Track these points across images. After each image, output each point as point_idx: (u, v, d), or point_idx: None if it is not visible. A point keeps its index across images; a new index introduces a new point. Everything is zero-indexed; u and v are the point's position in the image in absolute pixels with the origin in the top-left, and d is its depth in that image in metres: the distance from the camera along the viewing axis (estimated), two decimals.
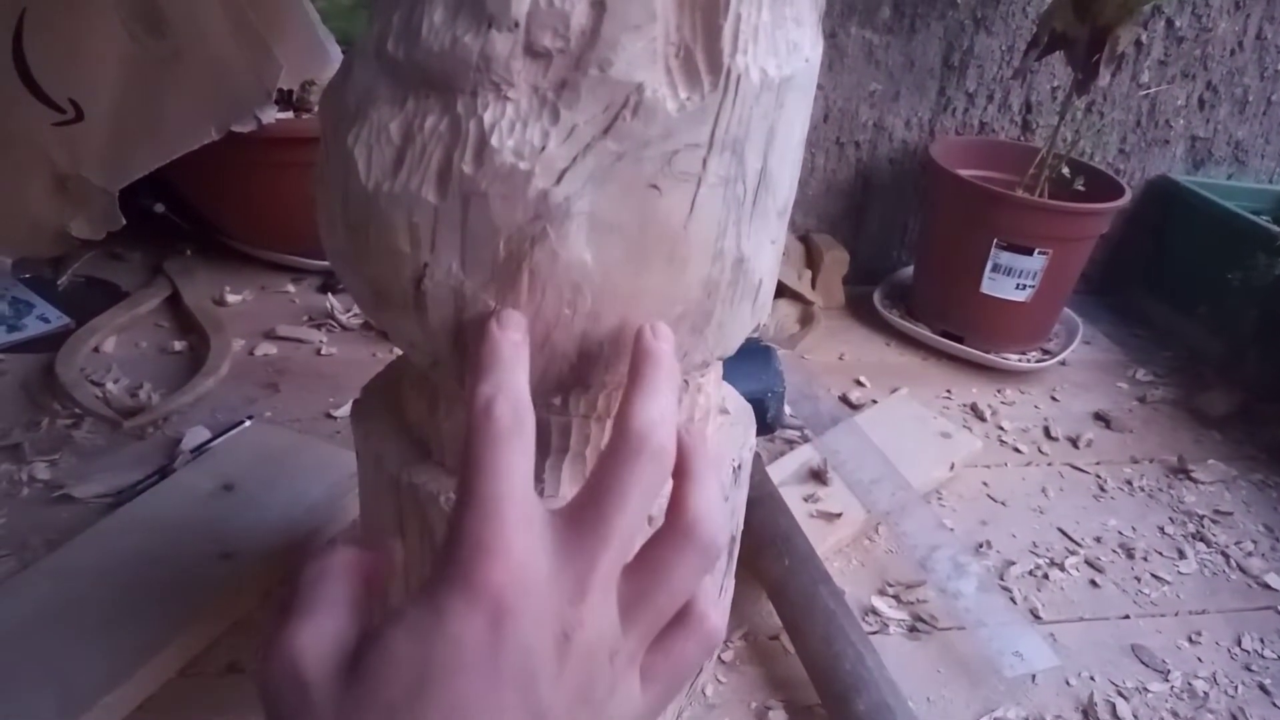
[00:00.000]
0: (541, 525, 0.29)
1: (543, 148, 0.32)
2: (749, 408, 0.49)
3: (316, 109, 0.80)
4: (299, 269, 0.85)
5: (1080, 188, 0.90)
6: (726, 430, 0.47)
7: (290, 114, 0.78)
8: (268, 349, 0.75)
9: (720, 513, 0.31)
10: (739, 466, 0.45)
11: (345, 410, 0.69)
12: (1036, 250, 0.86)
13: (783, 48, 0.34)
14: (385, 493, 0.42)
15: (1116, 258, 1.10)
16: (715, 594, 0.32)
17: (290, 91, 0.75)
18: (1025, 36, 0.96)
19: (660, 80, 0.32)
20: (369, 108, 0.34)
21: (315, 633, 0.28)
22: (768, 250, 0.39)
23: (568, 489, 0.41)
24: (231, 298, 0.81)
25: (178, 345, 0.74)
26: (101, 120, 0.67)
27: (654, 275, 0.35)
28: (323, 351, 0.76)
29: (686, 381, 0.42)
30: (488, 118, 0.32)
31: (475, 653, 0.26)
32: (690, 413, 0.43)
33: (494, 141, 0.32)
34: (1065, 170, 0.90)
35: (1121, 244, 1.09)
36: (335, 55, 0.70)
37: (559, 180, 0.32)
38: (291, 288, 0.84)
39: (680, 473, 0.32)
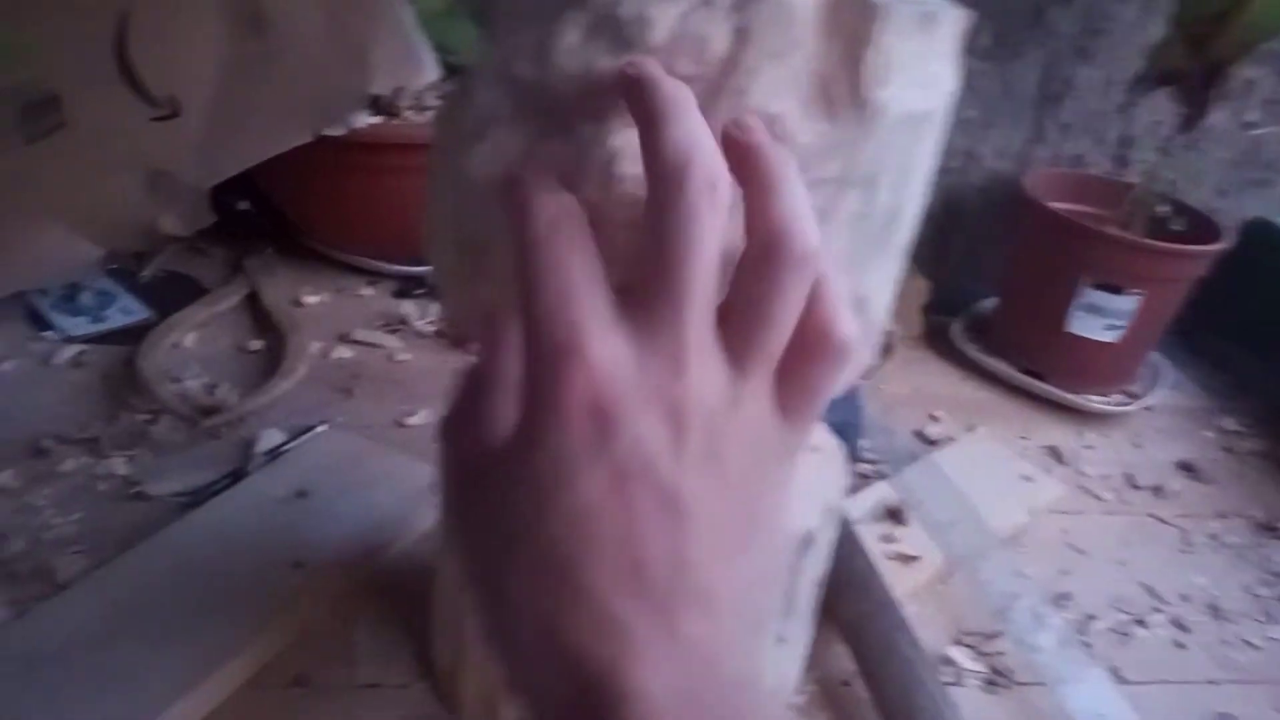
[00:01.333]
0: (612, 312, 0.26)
1: None
2: (840, 447, 0.48)
3: (406, 115, 0.79)
4: (376, 272, 0.85)
5: (1178, 228, 0.86)
6: (817, 469, 0.45)
7: (380, 119, 0.77)
8: (343, 353, 0.75)
9: (806, 213, 0.27)
10: (830, 508, 0.43)
11: (417, 419, 0.68)
12: (1129, 291, 0.83)
13: (926, 80, 0.32)
14: None
15: (1206, 301, 1.06)
16: (836, 301, 0.28)
17: (380, 96, 0.75)
18: (1127, 68, 0.93)
19: (796, 111, 0.31)
20: (490, 128, 0.33)
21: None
22: (886, 290, 0.37)
23: None
24: (309, 298, 0.81)
25: (255, 344, 0.74)
26: (197, 118, 0.68)
27: None
28: (396, 358, 0.75)
29: None
30: (615, 144, 0.31)
31: (584, 459, 0.25)
32: None
33: (621, 169, 0.31)
34: (1163, 208, 0.87)
35: (1212, 287, 1.05)
36: (429, 63, 0.70)
37: None
38: (368, 291, 0.84)
39: (751, 182, 0.28)
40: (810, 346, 0.28)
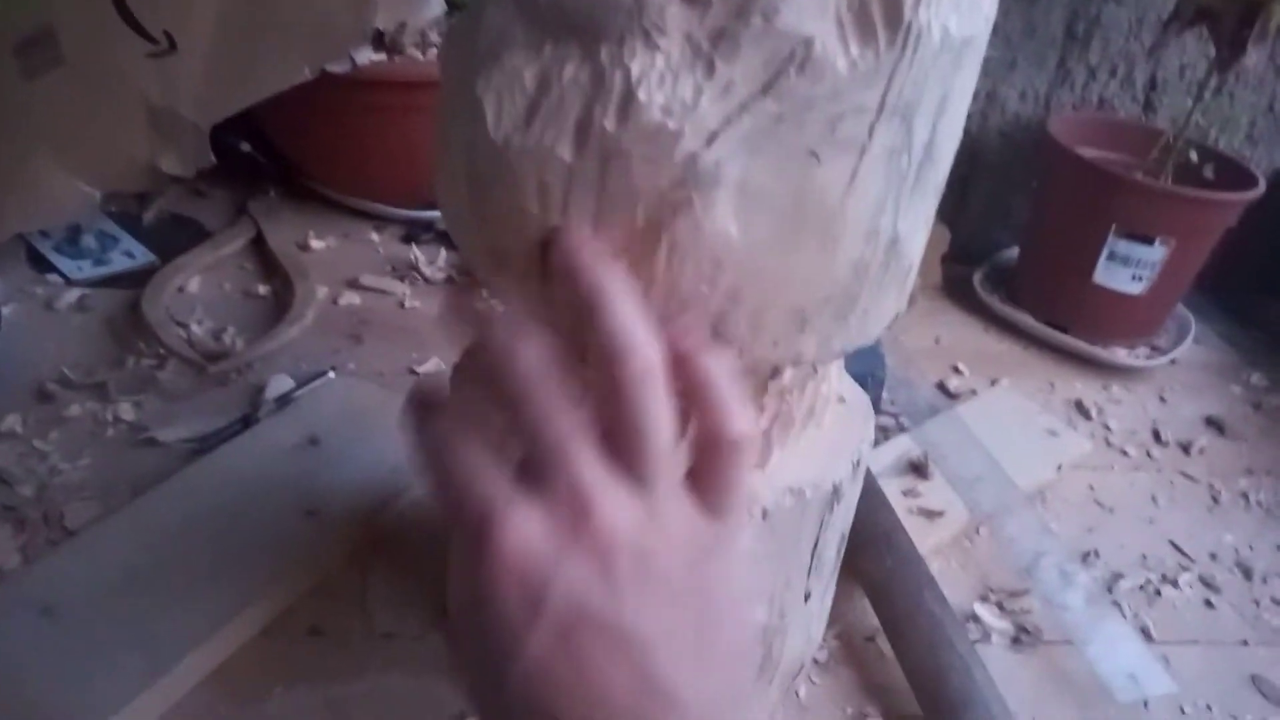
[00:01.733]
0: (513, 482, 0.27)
1: (694, 105, 0.29)
2: (866, 398, 0.46)
3: (410, 52, 0.77)
4: (383, 217, 0.83)
5: (1209, 175, 0.83)
6: (844, 420, 0.44)
7: (383, 56, 0.75)
8: (351, 299, 0.73)
9: (636, 324, 0.27)
10: (857, 462, 0.42)
11: (428, 367, 0.67)
12: (1158, 240, 0.81)
13: (965, 3, 0.30)
14: None
15: (1233, 252, 1.03)
16: (724, 399, 0.28)
17: (384, 33, 0.72)
18: (1157, 7, 0.89)
19: (831, 34, 0.28)
20: (502, 52, 0.31)
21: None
22: (921, 230, 0.35)
23: None
24: (315, 243, 0.79)
25: (262, 289, 0.72)
26: (196, 54, 0.65)
27: (803, 254, 0.31)
28: (406, 304, 0.74)
29: (814, 368, 0.39)
30: (635, 69, 0.29)
31: (525, 623, 0.25)
32: (811, 403, 0.40)
33: (641, 95, 0.29)
34: (1193, 155, 0.84)
35: (1240, 237, 1.02)
36: None
37: (710, 143, 0.29)
38: (375, 236, 0.82)
39: (584, 308, 0.28)
40: (709, 447, 0.28)
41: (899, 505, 0.59)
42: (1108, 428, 0.78)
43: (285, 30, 0.65)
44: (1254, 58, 0.76)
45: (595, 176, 0.30)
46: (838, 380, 0.44)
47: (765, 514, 0.38)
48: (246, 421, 0.58)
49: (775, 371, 0.37)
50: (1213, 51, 0.79)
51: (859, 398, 0.46)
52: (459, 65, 0.33)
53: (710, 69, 0.29)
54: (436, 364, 0.67)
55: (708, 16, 0.28)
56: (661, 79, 0.29)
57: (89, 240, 0.73)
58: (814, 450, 0.41)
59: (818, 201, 0.31)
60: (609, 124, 0.29)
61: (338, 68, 0.66)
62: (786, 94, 0.29)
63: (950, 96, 0.31)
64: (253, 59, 0.65)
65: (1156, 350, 0.89)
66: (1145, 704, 0.53)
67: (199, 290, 0.72)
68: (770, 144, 0.29)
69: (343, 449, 0.55)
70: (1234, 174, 0.85)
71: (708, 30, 0.29)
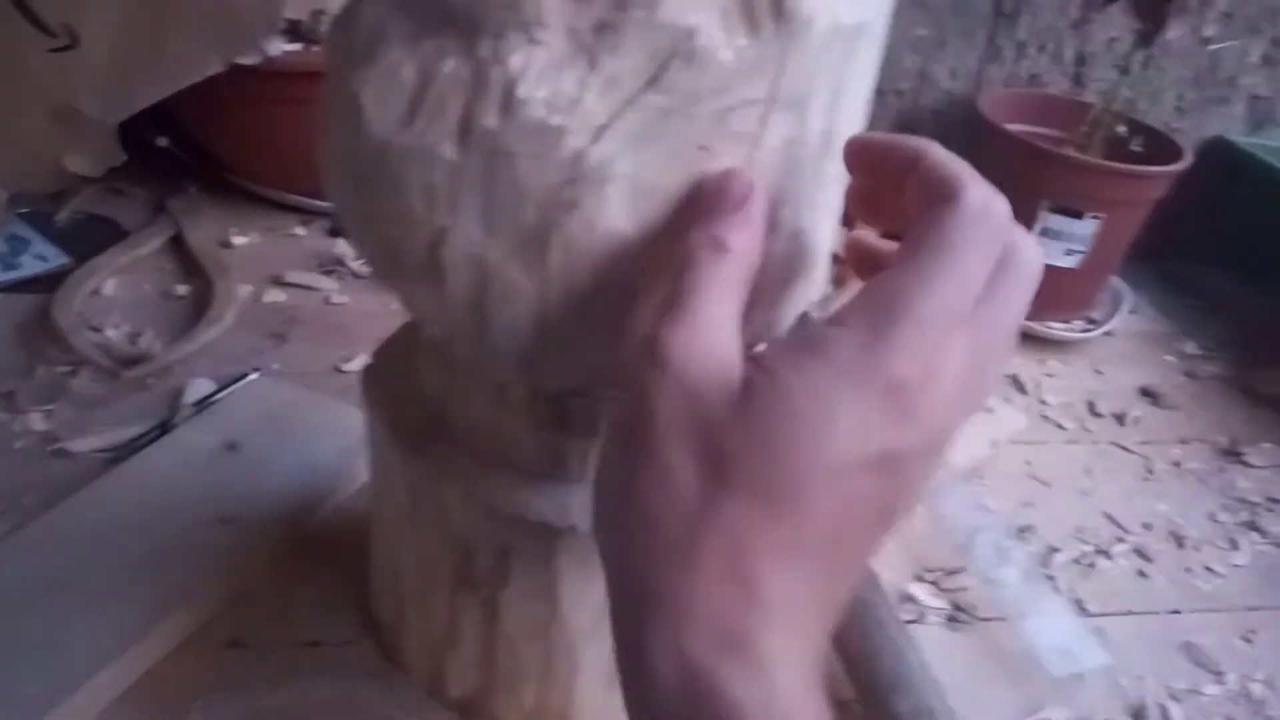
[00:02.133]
0: None
1: (579, 100, 0.28)
2: None
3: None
4: (308, 210, 0.81)
5: (1137, 148, 0.84)
6: None
7: (299, 46, 0.73)
8: (275, 296, 0.71)
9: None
10: None
11: (356, 364, 0.65)
12: (1088, 214, 0.81)
13: None
14: (397, 470, 0.39)
15: (1166, 222, 1.05)
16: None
17: (299, 21, 0.70)
18: None
19: (716, 24, 0.28)
20: (379, 47, 0.30)
21: (707, 335, 0.26)
22: (827, 220, 0.34)
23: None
24: (237, 239, 0.77)
25: (181, 289, 0.70)
26: (99, 48, 0.63)
27: None
28: (333, 300, 0.72)
29: None
30: (515, 63, 0.28)
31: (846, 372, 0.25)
32: None
33: (522, 91, 0.28)
34: (1121, 129, 0.84)
35: (1172, 207, 1.03)
36: None
37: (597, 139, 0.28)
38: (300, 230, 0.80)
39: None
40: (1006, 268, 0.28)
41: None
42: (1044, 402, 0.79)
43: (191, 22, 0.63)
44: (1175, 31, 0.76)
45: (481, 176, 0.29)
46: None
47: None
48: (163, 428, 0.56)
49: None
50: (1137, 25, 0.79)
51: None
52: (337, 61, 0.32)
53: (594, 63, 0.28)
54: (364, 360, 0.65)
55: (589, 8, 0.28)
56: (543, 74, 0.28)
57: None
58: None
59: None
60: (491, 121, 0.28)
61: (248, 60, 0.64)
62: (673, 87, 0.28)
63: (846, 85, 0.31)
64: (158, 52, 0.63)
65: (1092, 323, 0.90)
66: (1080, 677, 0.53)
67: (115, 293, 0.69)
68: (659, 138, 0.29)
69: (263, 453, 0.54)
70: (1162, 146, 0.85)
71: (590, 23, 0.28)
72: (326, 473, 0.54)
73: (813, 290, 0.36)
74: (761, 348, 0.27)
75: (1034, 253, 0.28)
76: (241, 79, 0.67)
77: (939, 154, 0.28)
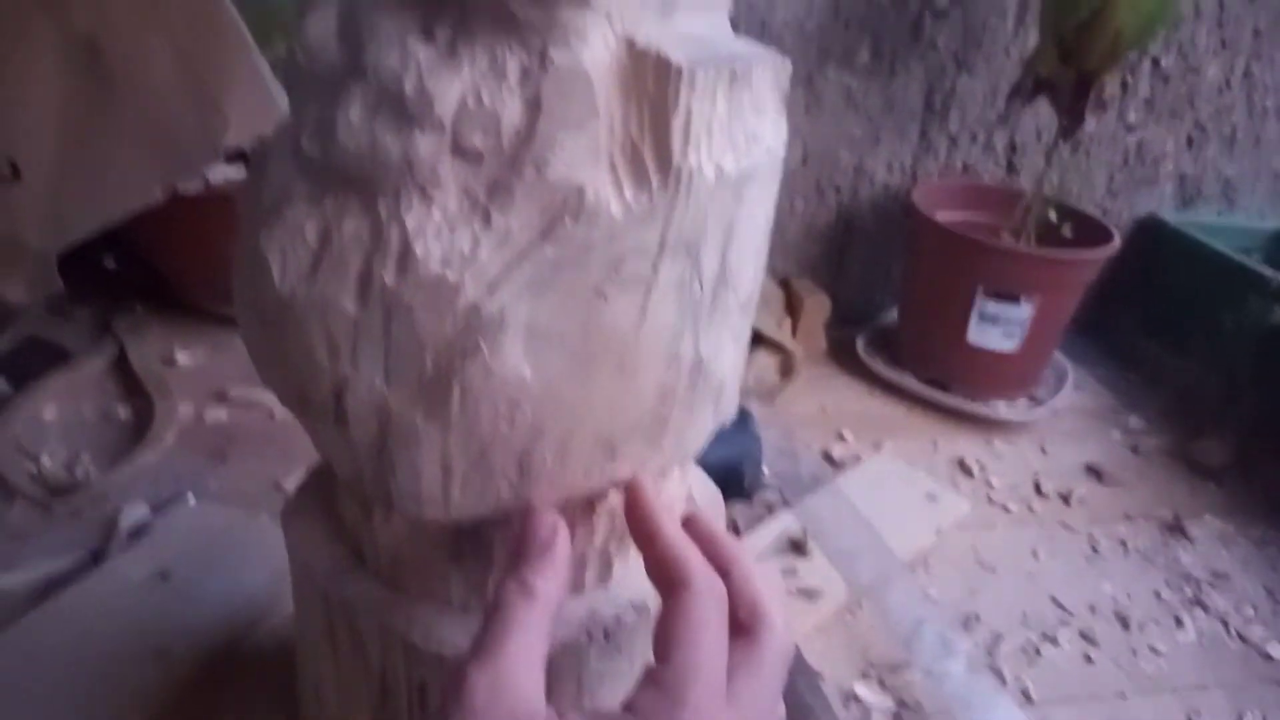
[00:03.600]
0: None
1: (473, 255, 0.29)
2: (719, 498, 0.46)
3: None
4: None
5: (1068, 234, 0.87)
6: None
7: (243, 168, 0.74)
8: (217, 414, 0.71)
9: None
10: None
11: (294, 481, 0.65)
12: (1023, 299, 0.84)
13: (741, 140, 0.31)
14: (316, 603, 0.39)
15: (1105, 297, 1.08)
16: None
17: (243, 150, 0.72)
18: (1008, 77, 0.94)
19: (604, 180, 0.29)
20: (284, 206, 0.31)
21: (512, 677, 0.28)
22: (730, 348, 0.35)
23: None
24: (182, 356, 0.77)
25: (122, 412, 0.70)
26: (39, 179, 0.64)
27: (601, 385, 0.32)
28: (276, 415, 0.72)
29: None
30: (411, 222, 0.29)
31: None
32: None
33: (418, 249, 0.29)
34: (1052, 215, 0.87)
35: (1110, 283, 1.06)
36: (285, 109, 0.67)
37: (492, 291, 0.29)
38: None
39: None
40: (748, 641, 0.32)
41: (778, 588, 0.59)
42: (990, 484, 0.80)
43: (131, 152, 0.64)
44: (1093, 124, 0.80)
45: (380, 328, 0.30)
46: (682, 480, 0.44)
47: (607, 633, 0.38)
48: (96, 558, 0.55)
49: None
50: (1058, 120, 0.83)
51: (709, 493, 0.46)
52: (246, 216, 0.33)
53: (487, 220, 0.29)
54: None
55: (481, 169, 0.29)
56: (439, 231, 0.29)
57: None
58: None
59: (609, 336, 0.31)
60: (389, 277, 0.29)
61: (190, 187, 0.65)
62: (565, 239, 0.29)
63: (736, 225, 0.32)
64: (99, 182, 0.64)
65: (1036, 401, 0.92)
66: None
67: (55, 417, 0.69)
68: (554, 287, 0.29)
69: (196, 581, 0.53)
70: (1091, 230, 0.88)
71: (483, 182, 0.29)
72: (260, 597, 0.53)
73: (722, 413, 0.37)
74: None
75: (779, 629, 0.32)
76: (183, 201, 0.68)
77: (669, 539, 0.33)
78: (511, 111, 0.28)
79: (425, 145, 0.28)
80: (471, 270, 0.29)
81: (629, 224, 0.29)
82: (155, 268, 0.83)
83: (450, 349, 0.30)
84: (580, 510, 0.36)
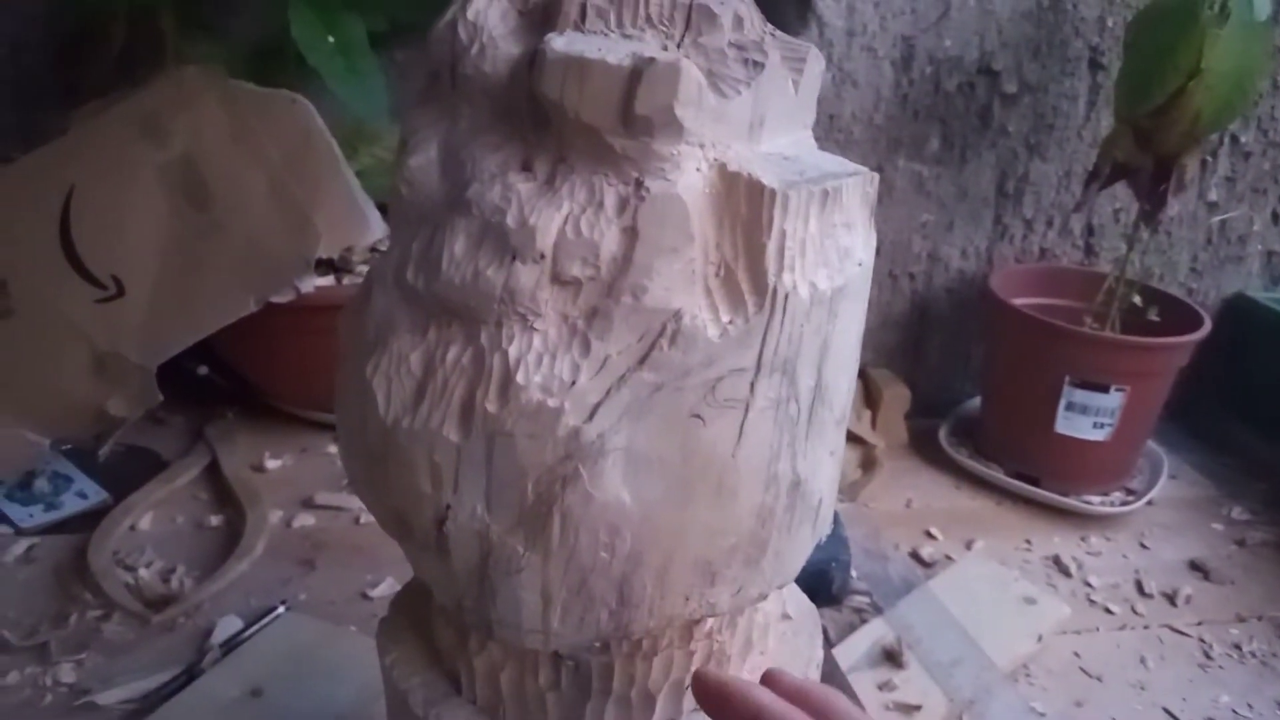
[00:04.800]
0: None
1: (573, 382, 0.29)
2: (814, 611, 0.44)
3: (359, 270, 0.79)
4: None
5: (1155, 318, 0.85)
6: (789, 641, 0.42)
7: (332, 278, 0.77)
8: (305, 520, 0.72)
9: None
10: None
11: (381, 589, 0.65)
12: (1113, 387, 0.81)
13: (834, 257, 0.31)
14: None
15: (1192, 379, 1.04)
16: None
17: (331, 259, 0.74)
18: (1082, 161, 0.93)
19: (700, 304, 0.29)
20: (389, 336, 0.31)
21: None
22: (826, 465, 0.35)
23: None
24: (271, 463, 0.79)
25: (214, 520, 0.72)
26: (141, 296, 0.67)
27: (700, 509, 0.31)
28: (361, 520, 0.73)
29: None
30: (513, 351, 0.29)
31: None
32: (748, 633, 0.39)
33: (520, 377, 0.29)
34: (1137, 299, 0.85)
35: (1198, 364, 1.03)
36: (375, 221, 0.69)
37: (591, 416, 0.29)
38: (333, 448, 0.82)
39: None
40: None
41: (874, 702, 0.57)
42: (1089, 584, 0.76)
43: (227, 267, 0.67)
44: (1175, 208, 0.78)
45: (483, 456, 0.30)
46: (776, 597, 0.43)
47: None
48: (191, 674, 0.56)
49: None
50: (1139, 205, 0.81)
51: (805, 611, 0.44)
52: (351, 345, 0.34)
53: (586, 346, 0.29)
54: (390, 585, 0.65)
55: (580, 297, 0.29)
56: (539, 359, 0.29)
57: (41, 483, 0.73)
58: None
59: (707, 459, 0.30)
60: (491, 406, 0.29)
61: (282, 298, 0.68)
62: (662, 364, 0.29)
63: (831, 341, 0.32)
64: (196, 297, 0.67)
65: (1131, 493, 0.88)
66: None
67: (150, 527, 0.71)
68: (652, 411, 0.29)
69: (286, 699, 0.53)
70: (1180, 313, 0.86)
71: (581, 310, 0.29)
72: (349, 716, 0.53)
73: (820, 531, 0.36)
74: None
75: None
76: (274, 312, 0.70)
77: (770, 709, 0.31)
78: (609, 240, 0.28)
79: (527, 276, 0.29)
80: (571, 396, 0.29)
81: (725, 346, 0.29)
82: (244, 374, 0.85)
83: (551, 476, 0.30)
84: (679, 635, 0.35)
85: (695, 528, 0.31)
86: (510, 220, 0.29)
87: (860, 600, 0.70)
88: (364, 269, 0.79)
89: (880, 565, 0.74)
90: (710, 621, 0.36)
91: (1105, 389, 0.81)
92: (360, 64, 0.74)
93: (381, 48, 0.77)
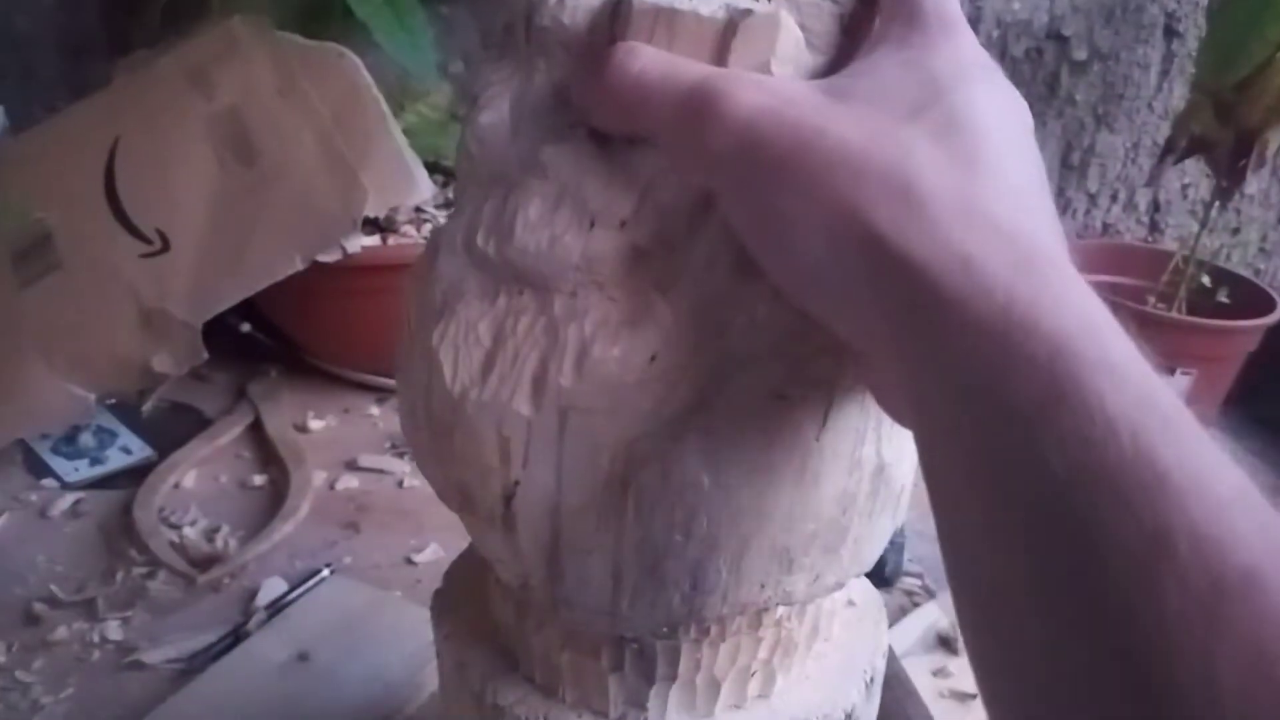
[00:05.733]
0: None
1: (652, 356, 0.27)
2: (879, 598, 0.43)
3: (404, 230, 0.77)
4: (383, 389, 0.83)
5: (1224, 299, 0.81)
6: (854, 629, 0.41)
7: (378, 238, 0.76)
8: (349, 482, 0.72)
9: None
10: (870, 680, 0.39)
11: (426, 555, 0.64)
12: (1179, 371, 0.78)
13: None
14: (468, 705, 0.37)
15: (1258, 366, 1.01)
16: None
17: (377, 219, 0.73)
18: (1151, 133, 0.89)
19: None
20: (456, 303, 0.30)
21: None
22: (909, 450, 0.33)
23: (674, 717, 0.35)
24: (314, 423, 0.78)
25: (258, 480, 0.71)
26: (187, 252, 0.66)
27: (781, 494, 0.29)
28: (405, 484, 0.72)
29: None
30: (589, 323, 0.27)
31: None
32: (815, 621, 0.37)
33: (596, 350, 0.27)
34: (1206, 280, 0.82)
35: (1264, 352, 0.99)
36: (422, 180, 0.68)
37: (670, 393, 0.27)
38: (375, 410, 0.81)
39: None
40: None
41: (928, 689, 0.56)
42: None
43: (274, 224, 0.66)
44: (1255, 185, 0.75)
45: (555, 430, 0.28)
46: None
47: None
48: (236, 635, 0.55)
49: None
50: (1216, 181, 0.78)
51: (870, 598, 0.43)
52: (416, 311, 0.32)
53: (665, 319, 0.27)
54: (435, 550, 0.65)
55: (658, 267, 0.27)
56: (617, 331, 0.27)
57: (86, 438, 0.73)
58: (822, 672, 0.38)
59: (790, 441, 0.29)
60: (565, 379, 0.28)
61: (328, 257, 0.67)
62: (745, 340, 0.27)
63: None
64: (242, 254, 0.66)
65: None
66: None
67: (195, 485, 0.70)
68: (734, 390, 0.28)
69: (334, 664, 0.53)
70: (1250, 296, 0.83)
71: (660, 281, 0.27)
72: (396, 683, 0.52)
73: (898, 520, 0.34)
74: None
75: None
76: (321, 270, 0.69)
77: None
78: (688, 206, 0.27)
79: (606, 244, 0.27)
80: (650, 371, 0.27)
81: (813, 322, 0.27)
82: (287, 333, 0.85)
83: (627, 453, 0.28)
84: (748, 622, 0.34)
85: (775, 512, 0.30)
86: (589, 185, 0.27)
87: (912, 583, 0.68)
88: (409, 229, 0.78)
89: (931, 547, 0.72)
90: (781, 609, 0.34)
91: (1171, 372, 0.78)
92: (409, 18, 0.72)
93: (429, 1, 0.75)
